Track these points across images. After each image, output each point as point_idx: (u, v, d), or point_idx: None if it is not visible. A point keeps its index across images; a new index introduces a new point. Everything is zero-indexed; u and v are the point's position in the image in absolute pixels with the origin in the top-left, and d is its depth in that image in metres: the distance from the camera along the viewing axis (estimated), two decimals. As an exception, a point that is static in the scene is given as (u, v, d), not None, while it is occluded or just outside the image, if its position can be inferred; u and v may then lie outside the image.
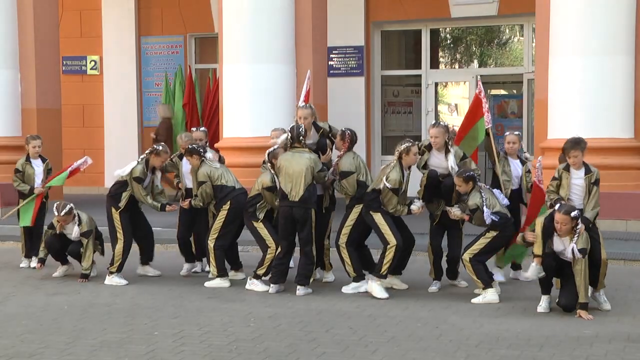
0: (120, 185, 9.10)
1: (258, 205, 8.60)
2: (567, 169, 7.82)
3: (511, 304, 7.85)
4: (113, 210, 9.08)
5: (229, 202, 8.80)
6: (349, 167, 8.40)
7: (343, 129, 8.67)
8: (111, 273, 9.06)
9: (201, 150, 8.96)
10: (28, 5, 13.80)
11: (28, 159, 10.02)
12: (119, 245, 9.08)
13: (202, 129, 9.98)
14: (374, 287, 8.17)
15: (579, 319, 7.22)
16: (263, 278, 8.61)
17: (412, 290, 8.56)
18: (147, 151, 9.21)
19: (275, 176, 8.52)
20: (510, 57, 17.75)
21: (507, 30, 17.63)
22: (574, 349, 6.26)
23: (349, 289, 8.45)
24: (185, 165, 9.35)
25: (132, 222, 9.22)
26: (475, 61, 17.41)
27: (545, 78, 11.32)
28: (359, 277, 8.45)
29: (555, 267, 7.45)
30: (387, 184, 8.06)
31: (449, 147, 8.40)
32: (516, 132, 9.09)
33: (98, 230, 9.49)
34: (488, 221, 7.93)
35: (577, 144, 7.77)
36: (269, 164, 8.70)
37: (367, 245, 8.81)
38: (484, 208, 7.90)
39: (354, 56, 16.19)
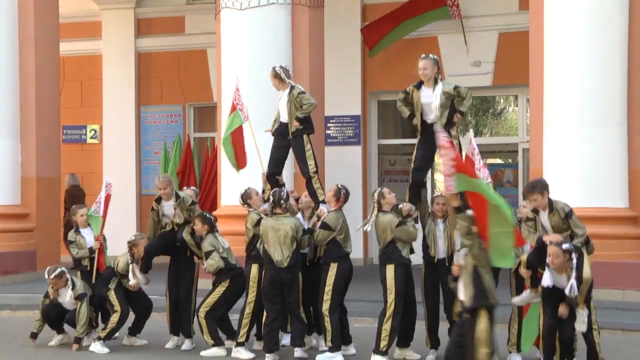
0: (111, 271, 9.26)
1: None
2: (535, 211, 7.77)
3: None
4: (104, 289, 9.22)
5: (228, 280, 8.81)
6: (333, 224, 8.40)
7: (339, 185, 8.66)
8: (99, 339, 9.01)
9: (213, 221, 9.02)
10: (30, 76, 13.92)
11: (77, 230, 9.72)
12: (115, 316, 9.06)
13: (192, 188, 10.03)
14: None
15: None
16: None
17: None
18: (127, 247, 9.31)
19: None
20: (505, 127, 17.90)
21: (502, 101, 17.82)
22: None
23: (323, 357, 8.32)
24: (167, 208, 9.36)
25: (130, 295, 9.22)
26: (471, 130, 17.53)
27: (540, 148, 11.37)
28: (336, 348, 8.33)
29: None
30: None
31: (438, 80, 8.38)
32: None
33: (94, 297, 9.41)
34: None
35: (533, 187, 7.71)
36: (246, 205, 8.85)
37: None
38: None
39: (351, 125, 16.30)
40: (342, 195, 8.54)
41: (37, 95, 13.99)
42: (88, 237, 9.67)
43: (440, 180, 16.81)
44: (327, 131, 15.33)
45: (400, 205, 8.24)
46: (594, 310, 7.74)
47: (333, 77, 14.44)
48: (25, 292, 12.01)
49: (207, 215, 9.08)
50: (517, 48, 13.79)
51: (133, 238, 9.39)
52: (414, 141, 8.78)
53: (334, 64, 14.05)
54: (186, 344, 9.22)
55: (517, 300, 7.73)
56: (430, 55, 8.60)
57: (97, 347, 8.98)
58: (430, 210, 8.42)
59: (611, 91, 11.22)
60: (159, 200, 9.43)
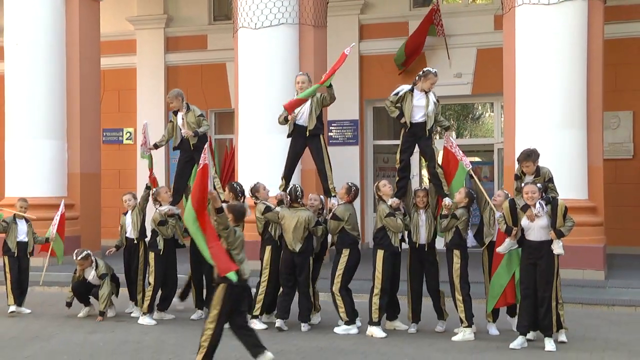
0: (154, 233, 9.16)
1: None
2: (518, 177, 7.94)
3: (487, 342, 7.79)
4: (151, 254, 9.09)
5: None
6: (341, 215, 8.45)
7: (349, 183, 8.74)
8: (144, 314, 9.01)
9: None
10: (76, 86, 13.96)
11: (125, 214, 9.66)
12: (149, 289, 9.06)
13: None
14: (374, 330, 8.13)
15: (545, 354, 7.16)
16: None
17: (400, 330, 8.50)
18: (152, 199, 9.33)
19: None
20: (483, 130, 17.86)
21: (480, 107, 17.79)
22: (540, 381, 6.23)
23: (340, 330, 8.37)
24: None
25: (164, 270, 9.16)
26: (453, 133, 17.53)
27: (512, 147, 11.38)
28: (351, 322, 8.37)
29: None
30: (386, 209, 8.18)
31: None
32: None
33: (115, 275, 9.49)
34: (470, 239, 7.98)
35: (528, 156, 7.89)
36: (253, 197, 8.87)
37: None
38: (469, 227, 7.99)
39: (350, 128, 16.33)
40: (352, 192, 8.62)
41: (81, 102, 14.04)
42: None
43: (426, 176, 16.89)
44: (329, 133, 15.39)
45: (389, 202, 8.25)
46: (560, 287, 7.81)
47: (334, 86, 14.44)
48: (71, 271, 12.04)
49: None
50: (493, 62, 13.82)
51: (155, 190, 9.44)
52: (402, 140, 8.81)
53: (335, 75, 14.10)
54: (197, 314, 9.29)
55: (500, 249, 7.70)
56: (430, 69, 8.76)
57: (145, 320, 8.95)
58: (413, 202, 8.42)
59: (573, 100, 11.26)
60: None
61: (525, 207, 7.46)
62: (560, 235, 7.38)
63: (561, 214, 7.42)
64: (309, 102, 8.86)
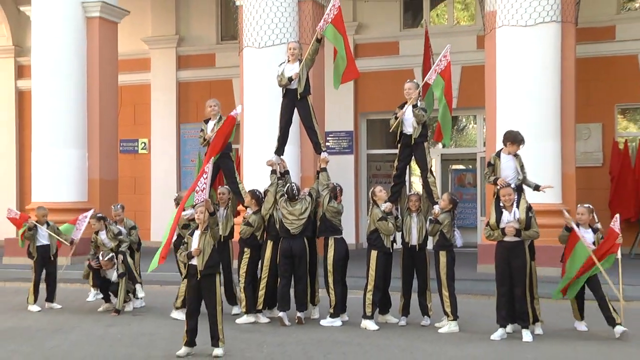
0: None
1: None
2: (498, 155, 7.91)
3: (470, 334, 7.82)
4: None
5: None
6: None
7: (335, 183, 8.73)
8: (177, 308, 8.82)
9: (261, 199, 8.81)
10: (95, 101, 14.02)
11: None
12: (182, 285, 8.76)
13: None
14: (367, 323, 8.15)
15: (523, 344, 7.20)
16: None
17: (391, 323, 8.54)
18: (174, 203, 9.17)
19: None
20: (467, 140, 17.94)
21: (464, 119, 17.86)
22: (518, 369, 6.27)
23: (326, 322, 8.35)
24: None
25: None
26: (440, 143, 17.62)
27: (494, 156, 11.45)
28: (335, 315, 8.37)
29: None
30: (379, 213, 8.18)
31: (418, 102, 8.45)
32: (586, 205, 8.06)
33: (133, 273, 9.50)
34: (457, 240, 8.00)
35: (515, 138, 7.90)
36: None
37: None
38: (454, 229, 8.00)
39: (346, 139, 16.39)
40: (337, 192, 8.66)
41: (100, 115, 14.10)
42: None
43: (415, 182, 16.95)
44: (327, 143, 15.41)
45: (382, 207, 8.26)
46: (536, 283, 7.87)
47: (332, 101, 14.54)
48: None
49: (257, 192, 8.85)
50: (476, 78, 13.88)
51: (177, 195, 9.48)
52: (395, 151, 8.85)
53: (332, 91, 14.11)
54: (235, 309, 9.04)
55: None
56: (414, 80, 8.74)
57: (176, 314, 8.76)
58: (407, 206, 8.43)
59: (548, 113, 11.35)
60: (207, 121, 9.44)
61: (495, 180, 7.70)
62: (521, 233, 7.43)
63: (523, 210, 7.46)
64: (299, 68, 8.73)
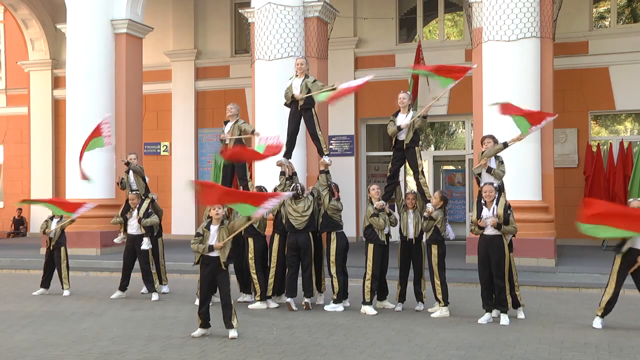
0: None
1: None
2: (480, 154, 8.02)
3: (459, 318, 7.80)
4: None
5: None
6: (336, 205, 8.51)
7: (331, 182, 8.68)
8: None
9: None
10: (122, 108, 14.07)
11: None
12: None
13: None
14: (366, 308, 8.14)
15: (507, 328, 7.18)
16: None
17: (388, 308, 8.52)
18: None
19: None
20: (456, 143, 17.89)
21: (454, 124, 17.82)
22: (502, 349, 6.24)
23: (329, 307, 8.33)
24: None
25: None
26: (432, 145, 17.57)
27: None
28: (338, 301, 8.35)
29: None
30: (372, 210, 8.17)
31: (410, 110, 8.48)
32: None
33: (158, 263, 9.46)
34: (450, 234, 7.96)
35: (490, 136, 8.05)
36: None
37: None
38: (447, 223, 7.96)
39: (347, 142, 16.37)
40: (333, 188, 8.62)
41: (127, 121, 14.14)
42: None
43: (410, 181, 16.94)
44: (330, 146, 15.42)
45: (375, 205, 8.22)
46: (515, 272, 7.84)
47: (334, 108, 14.49)
48: (118, 259, 12.11)
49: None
50: (465, 88, 13.69)
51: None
52: (392, 154, 8.83)
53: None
54: (246, 297, 8.95)
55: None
56: (408, 92, 8.80)
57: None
58: (403, 203, 8.43)
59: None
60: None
61: (479, 169, 7.74)
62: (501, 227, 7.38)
63: (502, 206, 7.42)
64: (302, 86, 8.87)
